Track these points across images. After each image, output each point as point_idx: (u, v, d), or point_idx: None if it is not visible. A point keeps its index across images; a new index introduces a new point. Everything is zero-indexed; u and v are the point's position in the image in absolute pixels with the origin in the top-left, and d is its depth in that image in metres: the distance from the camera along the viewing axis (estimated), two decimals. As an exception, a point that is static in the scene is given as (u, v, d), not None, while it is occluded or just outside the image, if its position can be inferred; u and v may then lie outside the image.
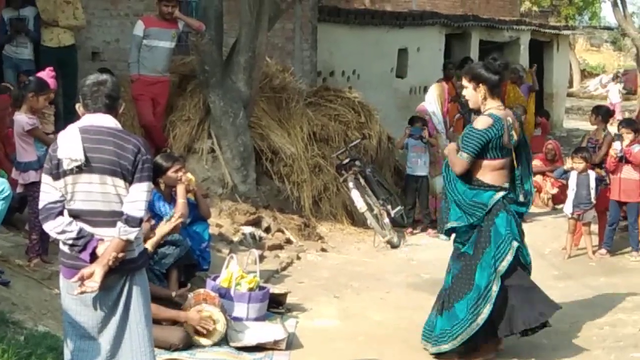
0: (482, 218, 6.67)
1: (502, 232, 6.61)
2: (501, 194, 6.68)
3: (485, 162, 6.69)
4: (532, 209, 13.34)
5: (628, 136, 10.09)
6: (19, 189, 7.75)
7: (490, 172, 6.71)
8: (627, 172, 10.16)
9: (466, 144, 6.64)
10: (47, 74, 8.32)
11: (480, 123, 6.65)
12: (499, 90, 6.81)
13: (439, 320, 6.80)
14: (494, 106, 6.70)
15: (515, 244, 6.62)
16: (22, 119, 7.73)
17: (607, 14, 71.78)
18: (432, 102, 12.32)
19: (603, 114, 11.41)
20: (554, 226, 12.15)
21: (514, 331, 6.77)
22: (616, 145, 10.17)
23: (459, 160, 6.67)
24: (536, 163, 13.56)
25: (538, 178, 13.59)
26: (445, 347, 6.71)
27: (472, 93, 6.78)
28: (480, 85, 6.71)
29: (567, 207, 10.43)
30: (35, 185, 7.62)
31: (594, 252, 10.37)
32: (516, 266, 6.70)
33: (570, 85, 32.96)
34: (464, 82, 6.84)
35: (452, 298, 6.74)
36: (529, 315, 6.71)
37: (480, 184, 6.70)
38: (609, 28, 44.69)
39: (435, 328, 6.83)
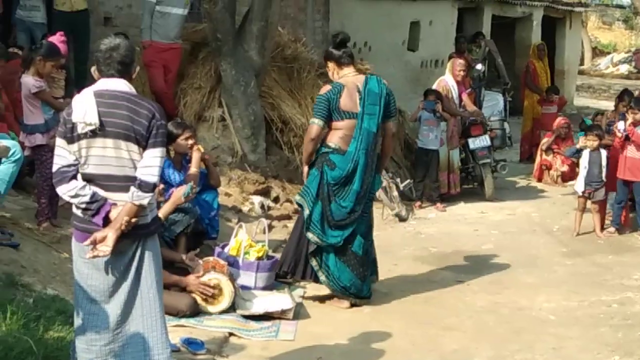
0: None
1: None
2: (322, 150, 7.31)
3: (332, 124, 7.28)
4: (541, 186, 13.41)
5: (633, 115, 10.01)
6: (26, 152, 7.75)
7: (333, 132, 7.28)
8: (632, 151, 10.09)
9: (314, 111, 7.31)
10: (57, 38, 8.31)
11: (322, 89, 7.39)
12: (345, 60, 7.34)
13: None
14: (345, 74, 7.31)
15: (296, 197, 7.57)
16: (29, 81, 7.72)
17: (620, -8, 71.24)
18: (452, 77, 12.22)
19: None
20: (562, 203, 12.12)
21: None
22: (620, 125, 10.14)
23: (310, 127, 7.35)
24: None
25: (548, 156, 13.61)
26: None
27: (329, 71, 7.50)
28: (328, 62, 7.43)
29: (579, 185, 10.39)
30: (42, 149, 7.64)
31: (602, 230, 10.34)
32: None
33: (582, 62, 32.77)
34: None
35: None
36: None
37: (325, 144, 7.33)
38: (621, 6, 44.36)
39: None
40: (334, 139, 7.28)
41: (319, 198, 7.27)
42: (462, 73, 12.14)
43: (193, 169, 7.63)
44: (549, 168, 13.58)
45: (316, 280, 7.48)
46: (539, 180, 13.83)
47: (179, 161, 8.02)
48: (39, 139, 7.68)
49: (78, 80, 9.21)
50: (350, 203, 7.26)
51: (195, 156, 7.73)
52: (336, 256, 7.31)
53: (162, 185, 7.23)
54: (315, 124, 7.24)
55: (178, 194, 7.11)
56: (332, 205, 7.26)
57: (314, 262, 7.39)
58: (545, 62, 16.42)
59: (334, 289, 7.39)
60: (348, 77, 7.31)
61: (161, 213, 6.90)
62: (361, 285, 7.40)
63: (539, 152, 13.92)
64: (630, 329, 6.95)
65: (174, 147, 7.91)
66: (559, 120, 13.93)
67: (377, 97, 7.23)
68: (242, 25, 11.15)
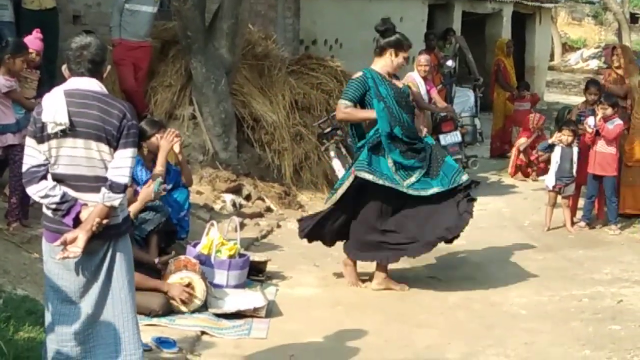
0: None
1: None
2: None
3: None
4: (512, 182, 13.47)
5: (603, 111, 10.06)
6: (-2, 152, 7.70)
7: None
8: (602, 146, 10.17)
9: (344, 92, 7.86)
10: (34, 36, 8.25)
11: (355, 74, 7.86)
12: (379, 50, 7.91)
13: None
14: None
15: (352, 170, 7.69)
16: (-1, 80, 7.66)
17: (589, -12, 71.61)
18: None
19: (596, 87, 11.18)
20: (533, 198, 12.20)
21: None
22: (590, 121, 10.20)
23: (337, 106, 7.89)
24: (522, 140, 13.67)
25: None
26: None
27: None
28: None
29: (549, 179, 10.44)
30: (14, 148, 7.57)
31: (572, 225, 10.40)
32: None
33: (552, 58, 32.96)
34: None
35: None
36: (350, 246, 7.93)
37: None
38: (590, 2, 44.63)
39: None
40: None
41: None
42: (424, 68, 12.02)
43: (159, 167, 7.51)
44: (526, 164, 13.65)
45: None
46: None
47: (151, 159, 7.95)
48: (9, 138, 7.62)
49: (47, 80, 9.12)
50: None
51: (163, 154, 7.57)
52: None
53: (135, 186, 7.19)
54: (341, 105, 7.80)
55: (147, 191, 7.07)
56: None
57: None
58: (511, 58, 16.41)
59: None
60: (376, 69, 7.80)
61: (131, 211, 6.86)
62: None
63: (514, 152, 13.88)
64: (601, 323, 7.00)
65: (147, 145, 7.84)
66: (536, 119, 13.84)
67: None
68: (212, 23, 11.13)
